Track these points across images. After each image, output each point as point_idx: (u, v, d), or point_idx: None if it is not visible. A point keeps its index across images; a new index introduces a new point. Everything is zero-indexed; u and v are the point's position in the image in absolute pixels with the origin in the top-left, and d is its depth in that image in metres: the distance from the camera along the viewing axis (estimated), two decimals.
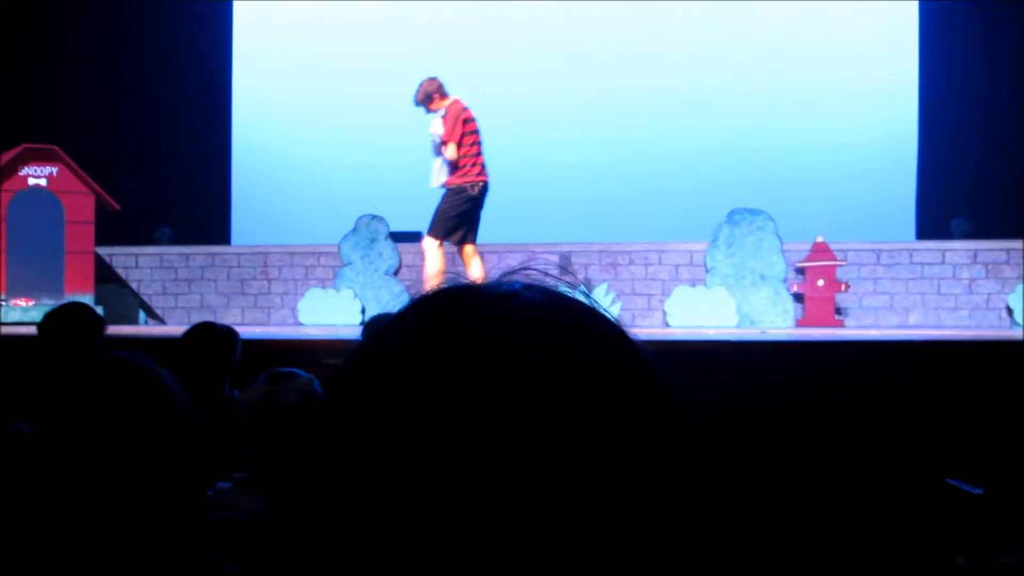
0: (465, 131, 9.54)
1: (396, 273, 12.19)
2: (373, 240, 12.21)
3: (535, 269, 0.84)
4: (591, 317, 0.80)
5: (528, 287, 0.81)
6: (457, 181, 9.55)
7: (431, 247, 9.64)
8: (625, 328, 0.81)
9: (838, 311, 11.42)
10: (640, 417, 0.74)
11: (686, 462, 0.76)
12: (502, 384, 0.71)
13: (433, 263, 9.65)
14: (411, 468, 0.69)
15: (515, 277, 0.83)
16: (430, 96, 9.71)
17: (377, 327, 0.80)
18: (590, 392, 0.72)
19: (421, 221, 12.91)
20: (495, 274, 0.84)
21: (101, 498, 1.62)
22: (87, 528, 1.62)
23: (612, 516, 0.70)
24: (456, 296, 0.79)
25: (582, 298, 0.82)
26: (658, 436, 0.74)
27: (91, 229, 11.65)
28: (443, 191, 9.66)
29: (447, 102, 9.65)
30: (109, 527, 1.62)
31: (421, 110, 9.80)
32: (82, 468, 1.62)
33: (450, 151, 9.50)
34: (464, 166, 9.54)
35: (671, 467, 0.74)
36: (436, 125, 9.61)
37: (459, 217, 9.58)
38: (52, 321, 5.15)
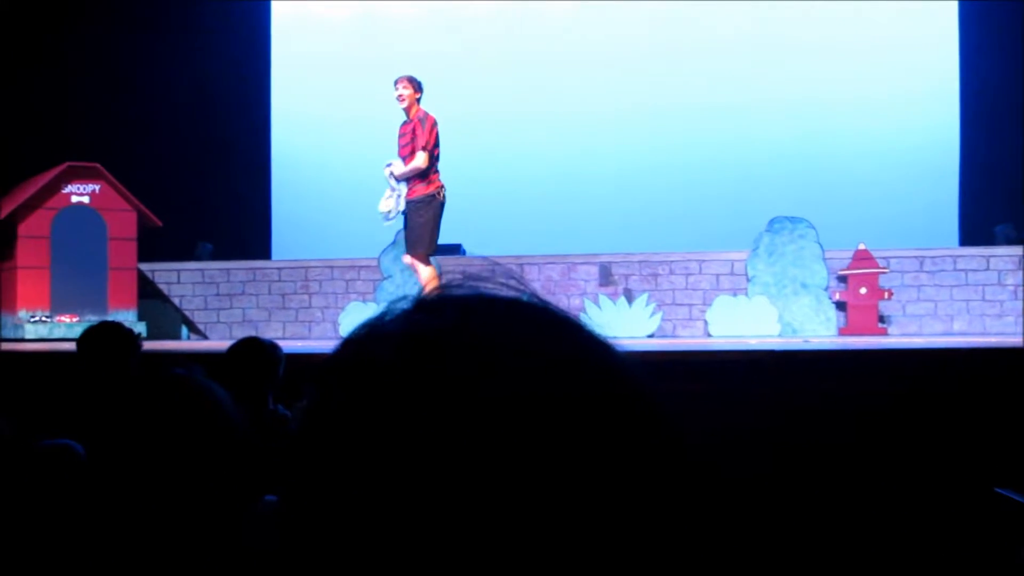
0: (435, 139, 9.47)
1: None
2: None
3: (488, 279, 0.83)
4: (579, 328, 0.79)
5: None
6: (427, 190, 9.38)
7: (422, 262, 9.52)
8: (606, 338, 0.80)
9: (881, 319, 11.33)
10: (620, 424, 0.73)
11: (670, 469, 0.75)
12: (494, 394, 0.71)
13: (428, 274, 9.54)
14: (399, 474, 0.69)
15: (480, 285, 0.82)
16: (419, 99, 9.52)
17: (359, 338, 0.79)
18: (580, 402, 0.72)
19: (459, 234, 12.96)
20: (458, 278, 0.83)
21: (155, 514, 1.63)
22: (142, 542, 1.63)
23: (597, 524, 0.69)
24: (455, 303, 0.79)
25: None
26: (637, 442, 0.73)
27: (133, 246, 11.75)
28: (412, 204, 9.42)
29: (420, 110, 9.47)
30: (162, 541, 1.63)
31: (398, 102, 9.48)
32: (137, 484, 1.63)
33: (422, 160, 9.26)
34: (431, 173, 9.47)
35: (651, 475, 0.73)
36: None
37: (438, 226, 9.46)
38: (87, 340, 5.20)
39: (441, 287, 0.81)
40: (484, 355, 0.72)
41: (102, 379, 4.97)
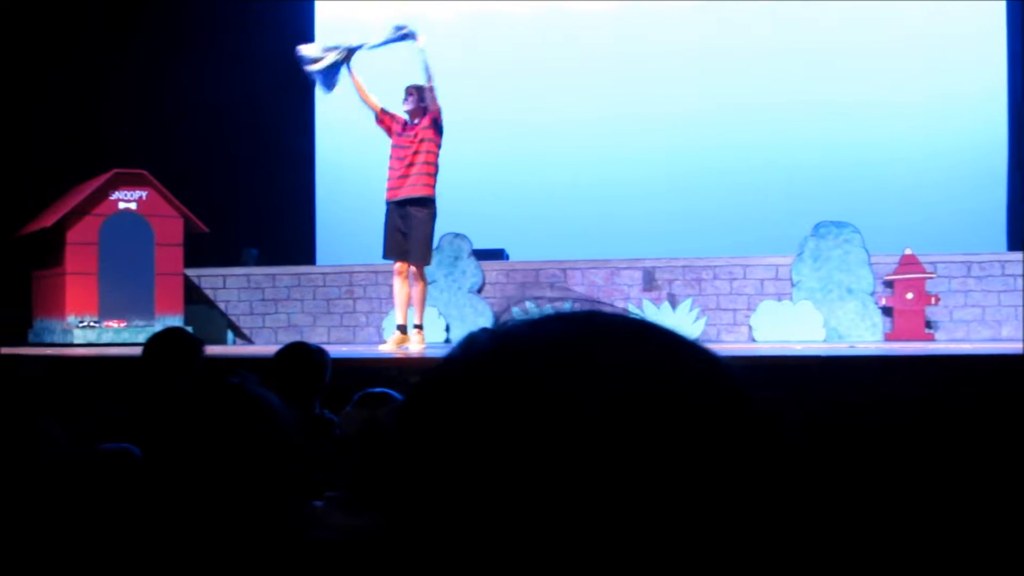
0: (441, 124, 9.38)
1: (480, 291, 12.22)
2: (456, 258, 12.25)
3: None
4: (676, 339, 0.81)
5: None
6: (431, 192, 9.43)
7: (420, 274, 9.41)
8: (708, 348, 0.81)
9: (928, 324, 11.24)
10: (732, 431, 0.74)
11: (776, 473, 0.76)
12: (598, 405, 0.71)
13: (421, 292, 9.44)
14: (505, 485, 0.70)
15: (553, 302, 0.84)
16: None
17: (465, 349, 0.81)
18: (686, 409, 0.73)
19: (503, 239, 12.99)
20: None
21: (211, 519, 1.65)
22: (197, 547, 1.64)
23: (713, 534, 0.70)
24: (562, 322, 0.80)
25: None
26: (747, 448, 0.74)
27: (180, 251, 11.85)
28: (415, 208, 9.36)
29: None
30: (218, 546, 1.65)
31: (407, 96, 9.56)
32: (193, 490, 1.65)
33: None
34: (433, 177, 9.35)
35: (761, 479, 0.74)
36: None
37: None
38: (153, 346, 5.24)
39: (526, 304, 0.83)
40: (589, 363, 0.74)
41: (165, 385, 5.01)
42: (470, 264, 12.25)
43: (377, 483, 0.77)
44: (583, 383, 0.72)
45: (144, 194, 11.68)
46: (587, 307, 0.83)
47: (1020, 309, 11.29)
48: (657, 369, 0.75)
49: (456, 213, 13.12)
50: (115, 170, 11.60)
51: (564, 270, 11.78)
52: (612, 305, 0.83)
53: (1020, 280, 11.29)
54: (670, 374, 0.75)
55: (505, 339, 0.79)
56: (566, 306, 0.84)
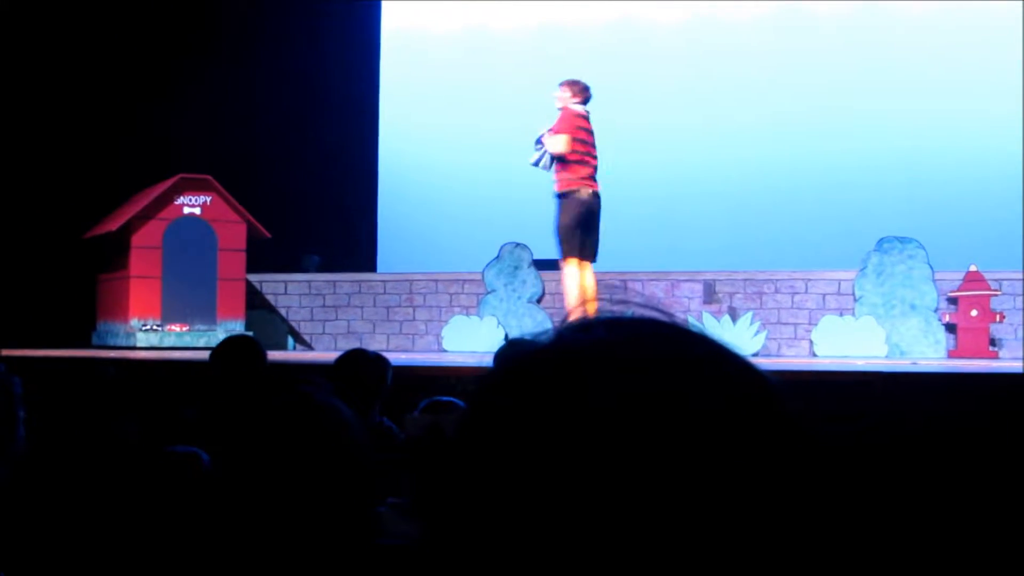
0: (576, 129, 9.29)
1: (539, 301, 12.22)
2: (517, 268, 12.26)
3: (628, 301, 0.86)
4: (724, 348, 0.81)
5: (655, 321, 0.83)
6: (568, 185, 9.25)
7: (563, 266, 9.41)
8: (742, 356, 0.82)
9: (992, 342, 11.10)
10: (768, 443, 0.75)
11: (816, 488, 0.76)
12: (642, 413, 0.72)
13: (568, 283, 9.46)
14: (556, 496, 0.71)
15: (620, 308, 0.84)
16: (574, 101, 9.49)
17: (514, 354, 0.82)
18: (727, 420, 0.74)
19: None
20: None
21: (280, 527, 1.67)
22: (266, 554, 1.66)
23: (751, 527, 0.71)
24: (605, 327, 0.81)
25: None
26: (782, 459, 0.75)
27: (243, 257, 11.95)
28: (557, 199, 9.29)
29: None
30: (288, 553, 1.66)
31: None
32: (263, 496, 1.67)
33: (557, 141, 9.18)
34: (573, 165, 9.28)
35: (799, 492, 0.75)
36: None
37: (581, 228, 9.29)
38: (222, 353, 5.32)
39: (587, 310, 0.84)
40: (635, 368, 0.75)
41: (234, 390, 5.07)
42: (530, 274, 12.26)
43: (437, 488, 0.78)
44: (628, 390, 0.73)
45: (208, 199, 11.80)
46: (645, 315, 0.83)
47: None
48: (702, 379, 0.76)
49: (518, 222, 13.16)
50: (180, 175, 11.73)
51: (624, 281, 11.75)
52: (669, 314, 0.83)
53: None
54: (717, 386, 0.76)
55: (553, 345, 0.80)
56: (627, 314, 0.84)
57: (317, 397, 1.75)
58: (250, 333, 11.04)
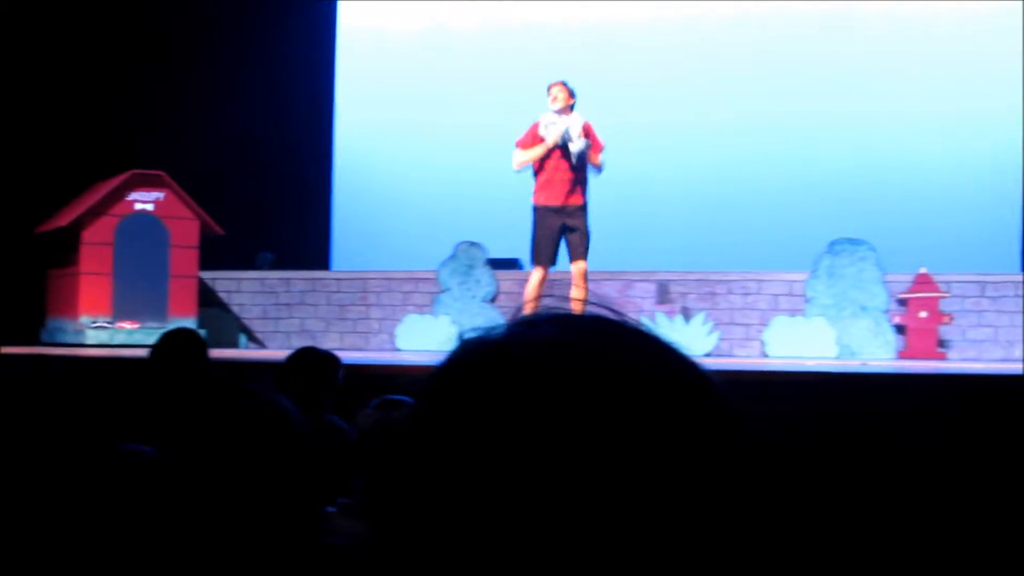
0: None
1: (493, 300, 12.23)
2: (471, 267, 12.26)
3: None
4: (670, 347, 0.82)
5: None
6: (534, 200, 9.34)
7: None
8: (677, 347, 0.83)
9: (941, 343, 11.22)
10: (699, 428, 0.76)
11: (741, 475, 0.77)
12: (585, 408, 0.73)
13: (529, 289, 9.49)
14: (497, 491, 0.71)
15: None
16: (572, 105, 9.40)
17: (462, 349, 0.83)
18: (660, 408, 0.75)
19: (518, 249, 12.97)
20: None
21: (222, 522, 1.66)
22: (210, 550, 1.66)
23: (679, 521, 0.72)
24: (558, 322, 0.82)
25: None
26: (713, 445, 0.76)
27: (196, 254, 11.86)
28: (584, 210, 9.30)
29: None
30: (230, 550, 1.66)
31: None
32: (207, 493, 1.67)
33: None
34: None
35: (724, 477, 0.76)
36: (578, 126, 9.21)
37: (535, 239, 9.41)
38: (162, 346, 5.26)
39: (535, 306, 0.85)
40: (580, 363, 0.75)
41: (176, 385, 5.03)
42: (484, 273, 12.26)
43: (388, 483, 0.78)
44: (572, 385, 0.74)
45: (161, 195, 11.70)
46: (593, 312, 0.84)
47: None
48: (645, 375, 0.77)
49: (472, 221, 13.16)
50: (133, 171, 11.63)
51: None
52: (618, 312, 0.84)
53: None
54: (659, 382, 0.77)
55: (501, 340, 0.80)
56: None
57: (261, 394, 1.75)
58: (192, 327, 10.98)
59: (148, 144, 13.00)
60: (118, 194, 11.58)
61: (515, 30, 14.60)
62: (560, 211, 9.16)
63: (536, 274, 9.29)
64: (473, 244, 12.33)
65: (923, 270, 11.20)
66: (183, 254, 11.75)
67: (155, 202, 11.68)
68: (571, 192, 9.19)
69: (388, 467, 0.80)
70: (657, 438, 0.74)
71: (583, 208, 9.26)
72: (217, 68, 13.79)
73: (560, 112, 9.25)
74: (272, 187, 13.77)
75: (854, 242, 11.53)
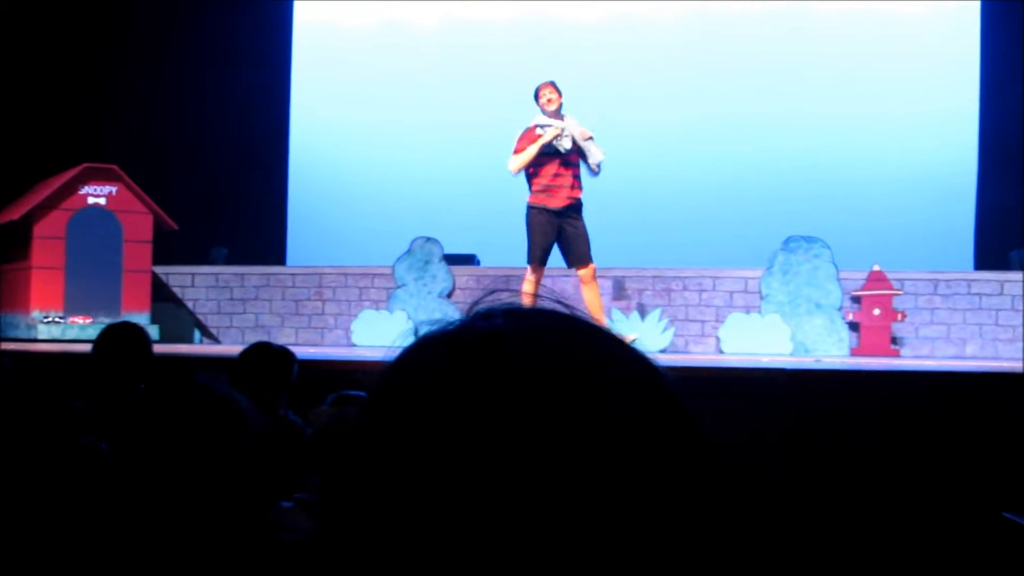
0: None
1: (449, 295, 12.22)
2: (427, 262, 12.24)
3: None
4: (615, 339, 0.83)
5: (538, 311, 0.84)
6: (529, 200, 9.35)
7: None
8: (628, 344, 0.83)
9: (894, 340, 11.32)
10: (654, 429, 0.76)
11: (697, 472, 0.78)
12: (533, 400, 0.73)
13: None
14: (444, 483, 0.71)
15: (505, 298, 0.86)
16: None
17: (415, 342, 0.83)
18: (605, 410, 0.74)
19: (474, 245, 12.98)
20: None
21: (176, 517, 1.64)
22: (163, 543, 1.64)
23: (627, 525, 0.72)
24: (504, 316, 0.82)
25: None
26: (671, 445, 0.76)
27: (149, 248, 11.77)
28: (580, 211, 9.32)
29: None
30: (184, 544, 1.64)
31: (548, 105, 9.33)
32: (160, 487, 1.65)
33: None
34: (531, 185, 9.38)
35: (680, 476, 0.76)
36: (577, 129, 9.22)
37: (528, 237, 9.39)
38: (104, 341, 5.21)
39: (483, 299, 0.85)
40: (529, 355, 0.75)
41: (120, 380, 4.99)
42: (441, 269, 12.25)
43: (339, 479, 0.78)
44: (520, 376, 0.74)
45: (114, 189, 11.60)
46: (546, 307, 0.84)
47: (984, 328, 11.40)
48: (593, 369, 0.77)
49: (428, 217, 13.14)
50: (86, 164, 11.52)
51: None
52: (570, 307, 0.84)
53: (985, 299, 11.40)
54: (607, 376, 0.77)
55: (454, 332, 0.80)
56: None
57: (213, 388, 1.73)
58: (145, 321, 10.92)
59: (101, 138, 12.89)
60: (70, 188, 11.47)
61: (470, 27, 14.58)
62: (559, 213, 9.20)
63: (533, 274, 9.28)
64: (429, 239, 12.32)
65: (877, 268, 11.29)
66: (136, 248, 11.65)
67: (108, 196, 11.57)
68: (570, 195, 9.21)
69: (340, 463, 0.80)
70: (607, 434, 0.73)
71: (580, 211, 9.27)
72: (172, 63, 13.70)
73: (553, 115, 9.26)
74: (227, 182, 13.70)
75: (809, 239, 11.61)
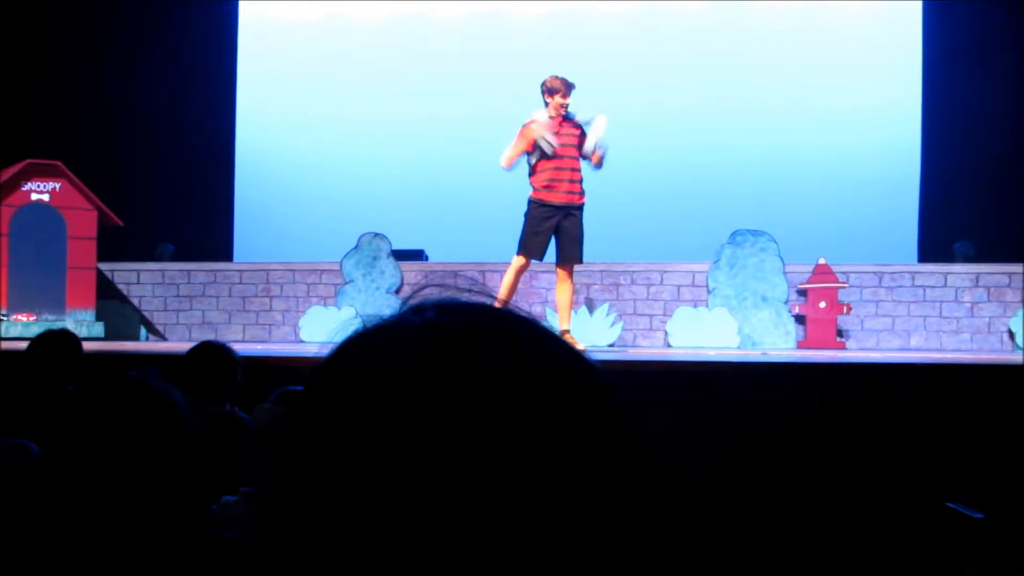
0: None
1: (398, 291, 12.19)
2: (375, 258, 12.21)
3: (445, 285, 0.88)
4: (551, 335, 0.83)
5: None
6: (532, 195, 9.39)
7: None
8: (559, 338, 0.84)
9: (840, 333, 11.42)
10: (584, 421, 0.76)
11: (636, 471, 0.78)
12: (460, 392, 0.73)
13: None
14: (372, 478, 0.71)
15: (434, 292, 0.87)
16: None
17: (348, 336, 0.83)
18: (539, 397, 0.75)
19: (422, 240, 12.96)
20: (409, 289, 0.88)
21: (111, 515, 1.63)
22: (97, 544, 1.62)
23: (562, 518, 0.72)
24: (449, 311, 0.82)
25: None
26: (599, 439, 0.76)
27: (93, 245, 11.65)
28: (582, 211, 9.40)
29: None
30: (119, 544, 1.63)
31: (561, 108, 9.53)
32: (93, 485, 1.63)
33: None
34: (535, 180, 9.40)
35: (619, 477, 0.76)
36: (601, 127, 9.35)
37: (525, 231, 9.49)
38: (37, 343, 5.29)
39: (415, 293, 0.86)
40: (458, 347, 0.75)
41: (52, 380, 5.01)
42: (389, 264, 12.21)
43: (275, 475, 0.78)
44: (448, 369, 0.74)
45: (57, 186, 11.48)
46: (476, 300, 0.85)
47: (928, 320, 11.52)
48: (527, 365, 0.77)
49: (376, 213, 13.10)
50: (28, 160, 11.39)
51: (483, 272, 11.76)
52: (495, 298, 0.85)
53: (929, 291, 11.53)
54: (540, 370, 0.77)
55: (385, 326, 0.81)
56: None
57: (146, 382, 1.71)
58: (82, 318, 10.83)
59: (44, 133, 12.75)
60: (13, 184, 11.33)
61: (414, 21, 14.53)
62: (560, 209, 9.22)
63: (517, 261, 9.31)
64: (377, 235, 12.28)
65: (822, 261, 11.38)
66: (81, 245, 11.54)
67: (51, 192, 11.45)
68: (573, 192, 9.30)
69: (276, 459, 0.80)
70: (536, 429, 0.73)
71: (581, 209, 9.35)
72: (117, 56, 13.57)
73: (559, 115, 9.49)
74: (172, 178, 13.60)
75: (755, 233, 11.69)
